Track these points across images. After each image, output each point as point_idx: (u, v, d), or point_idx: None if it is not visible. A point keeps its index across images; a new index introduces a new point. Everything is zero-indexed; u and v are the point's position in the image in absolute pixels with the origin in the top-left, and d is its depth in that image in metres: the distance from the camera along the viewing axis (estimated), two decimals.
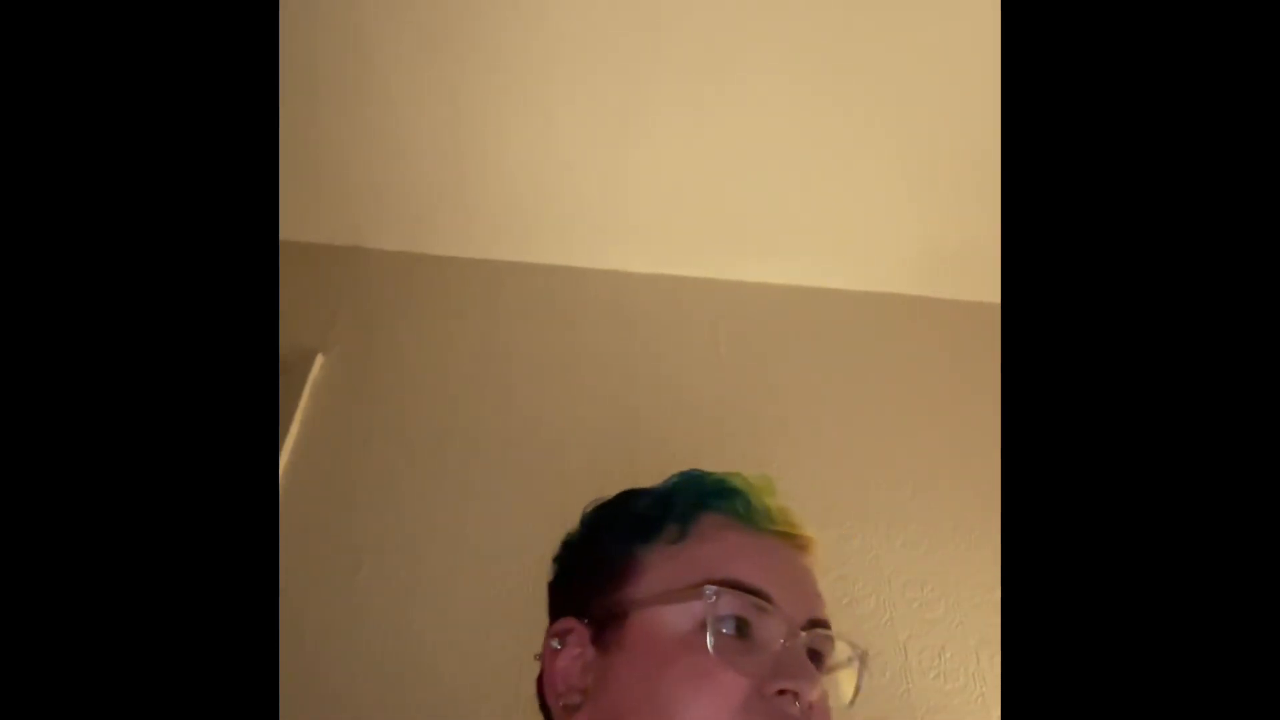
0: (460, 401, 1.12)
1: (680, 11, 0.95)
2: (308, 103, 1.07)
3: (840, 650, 0.49)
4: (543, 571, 0.57)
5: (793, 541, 0.51)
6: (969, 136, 1.05)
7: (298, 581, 0.92)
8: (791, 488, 1.04)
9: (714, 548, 0.48)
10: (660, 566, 0.48)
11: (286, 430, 1.04)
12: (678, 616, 0.45)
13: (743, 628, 0.45)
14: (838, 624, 0.49)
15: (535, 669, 0.52)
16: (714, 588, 0.45)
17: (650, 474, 0.57)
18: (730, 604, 0.45)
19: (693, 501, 0.51)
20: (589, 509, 0.56)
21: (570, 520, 0.57)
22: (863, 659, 0.49)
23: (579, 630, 0.49)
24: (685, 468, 0.56)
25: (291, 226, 1.23)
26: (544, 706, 0.50)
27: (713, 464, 0.58)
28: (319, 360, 1.13)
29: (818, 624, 0.47)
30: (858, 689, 0.49)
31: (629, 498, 0.54)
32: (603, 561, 0.50)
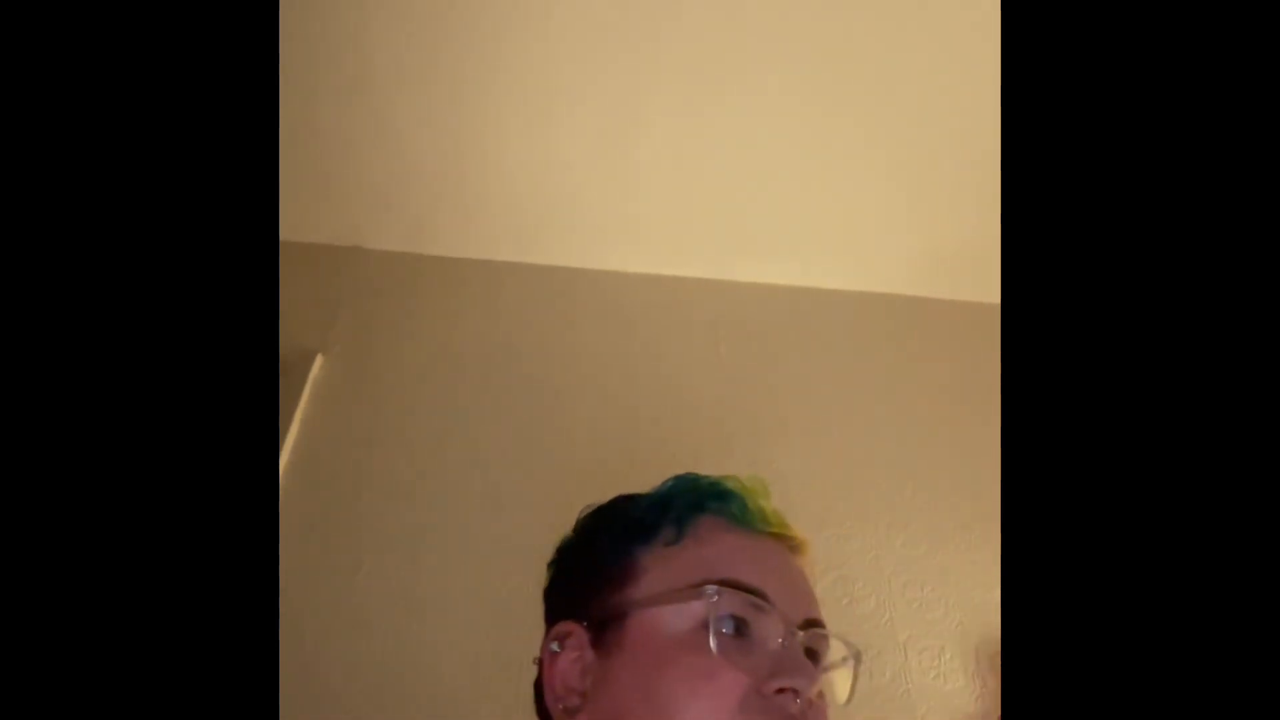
0: (460, 401, 1.12)
1: (680, 12, 0.95)
2: (308, 103, 1.07)
3: (836, 649, 0.50)
4: (542, 571, 0.57)
5: (787, 543, 0.52)
6: (969, 137, 1.05)
7: (298, 581, 0.92)
8: (791, 488, 1.05)
9: (712, 549, 0.48)
10: (658, 568, 0.48)
11: (286, 430, 1.05)
12: (677, 617, 0.46)
13: (741, 627, 0.45)
14: (837, 624, 0.50)
15: (534, 669, 0.52)
16: (714, 587, 0.45)
17: (650, 474, 0.57)
18: (729, 604, 0.45)
19: (689, 504, 0.51)
20: (584, 513, 0.56)
21: (570, 520, 0.57)
22: (858, 658, 0.50)
23: (578, 633, 0.49)
24: (685, 467, 0.57)
25: (292, 227, 1.23)
26: (541, 709, 0.50)
27: (713, 464, 0.58)
28: (319, 360, 1.13)
29: (814, 623, 0.48)
30: (854, 688, 0.50)
31: (624, 502, 0.55)
32: (601, 564, 0.50)
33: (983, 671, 0.94)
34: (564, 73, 1.02)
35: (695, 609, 0.45)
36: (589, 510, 0.57)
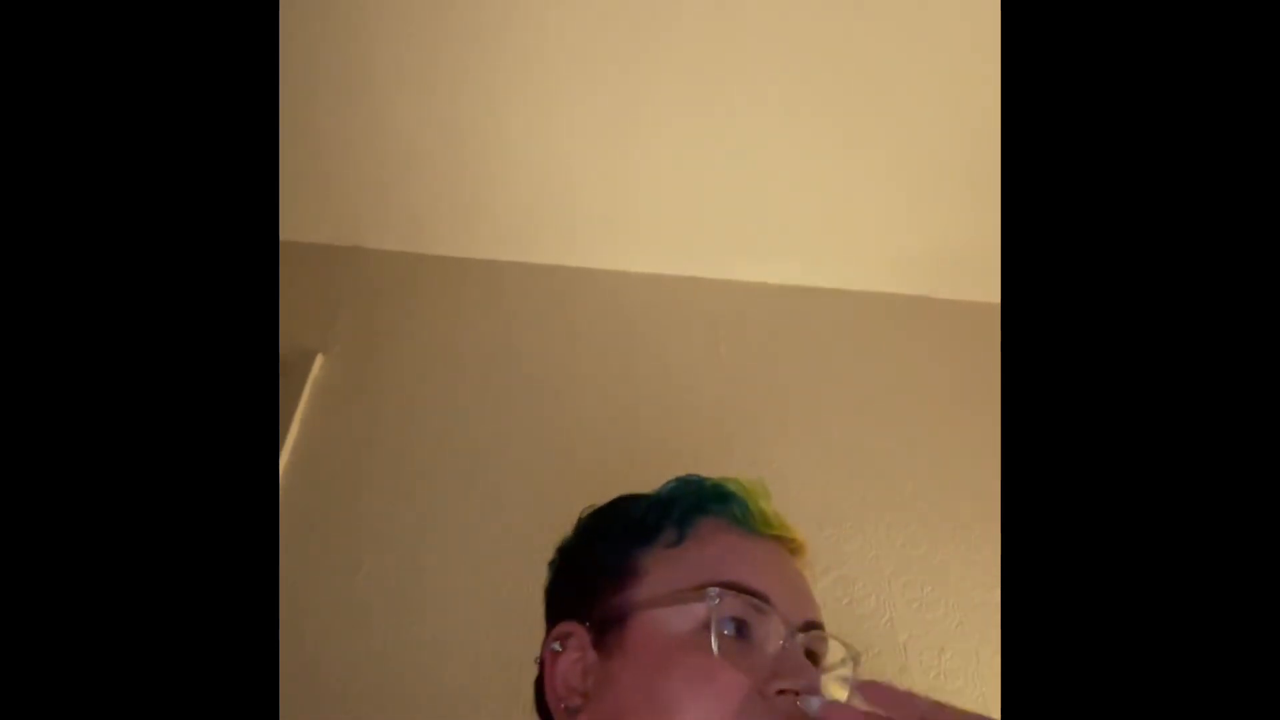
0: (460, 401, 1.12)
1: (681, 12, 0.95)
2: (308, 103, 1.07)
3: (835, 651, 0.50)
4: (542, 571, 0.57)
5: (787, 545, 0.52)
6: (969, 137, 1.05)
7: (298, 581, 0.92)
8: (791, 488, 1.05)
9: (713, 551, 0.49)
10: (660, 569, 0.49)
11: (286, 430, 1.04)
12: (678, 618, 0.46)
13: (742, 629, 0.45)
14: (837, 624, 0.50)
15: (535, 669, 0.52)
16: (716, 589, 0.45)
17: (650, 473, 0.57)
18: (731, 606, 0.45)
19: (691, 505, 0.51)
20: (584, 514, 0.57)
21: (570, 520, 0.57)
22: (857, 660, 0.50)
23: (579, 633, 0.49)
24: (685, 467, 0.57)
25: (292, 226, 1.23)
26: (542, 709, 0.50)
27: (713, 463, 0.58)
28: (319, 360, 1.13)
29: (813, 625, 0.48)
30: (852, 690, 0.50)
31: (625, 503, 0.55)
32: (602, 565, 0.51)
33: (983, 671, 0.94)
34: (564, 72, 1.02)
35: (697, 610, 0.46)
36: (589, 511, 0.57)
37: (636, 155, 1.12)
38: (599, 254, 1.27)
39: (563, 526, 0.57)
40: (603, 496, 0.57)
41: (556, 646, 0.50)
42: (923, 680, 0.93)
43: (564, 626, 0.50)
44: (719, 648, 0.44)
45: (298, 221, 1.23)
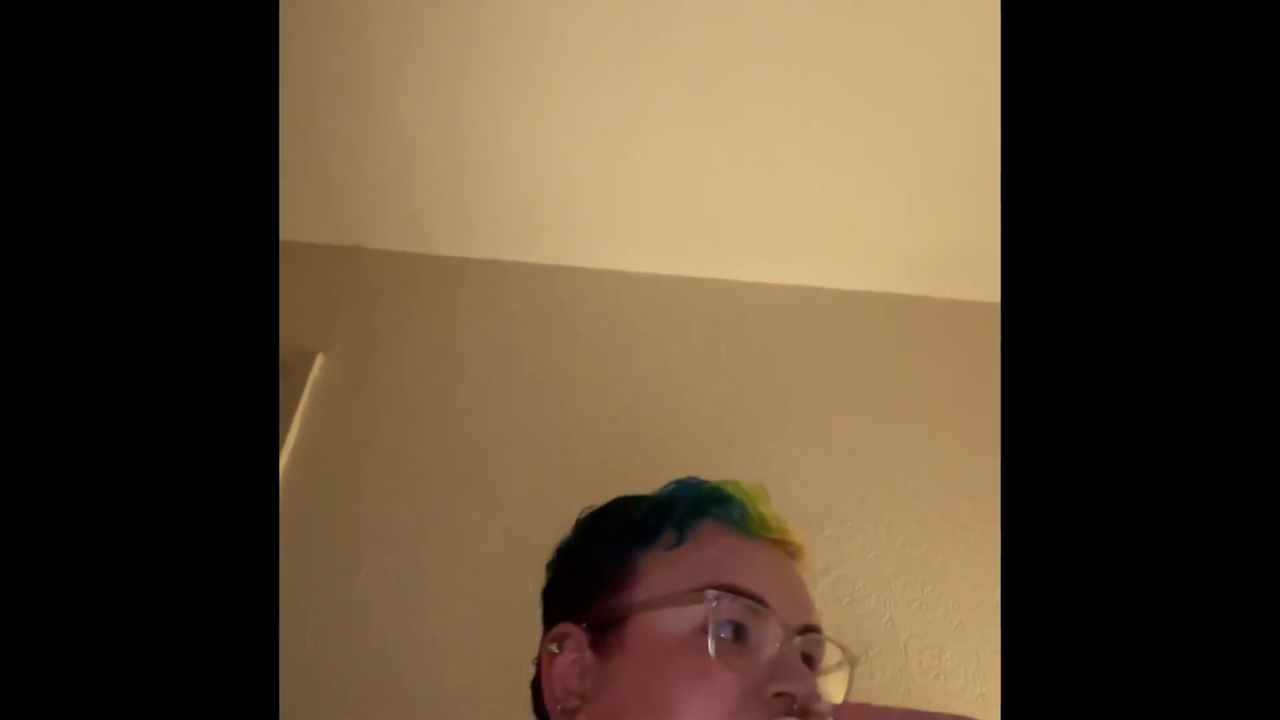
0: (460, 401, 1.12)
1: (681, 12, 0.95)
2: (308, 103, 1.07)
3: (831, 654, 0.50)
4: (542, 572, 0.57)
5: (786, 548, 0.52)
6: (969, 137, 1.05)
7: (298, 581, 0.92)
8: (792, 488, 1.05)
9: (712, 553, 0.49)
10: (659, 571, 0.49)
11: (286, 430, 1.05)
12: (677, 620, 0.46)
13: (740, 632, 0.45)
14: (837, 624, 0.50)
15: (534, 669, 0.52)
16: (715, 592, 0.45)
17: (650, 474, 0.57)
18: (729, 609, 0.46)
19: (691, 508, 0.51)
20: (583, 515, 0.56)
21: (570, 520, 0.57)
22: (853, 662, 0.50)
23: (577, 635, 0.49)
24: (685, 468, 0.57)
25: (292, 226, 1.23)
26: (540, 710, 0.50)
27: (713, 463, 0.58)
28: (319, 360, 1.13)
29: (811, 629, 0.48)
30: (848, 692, 0.50)
31: (624, 504, 0.55)
32: (601, 566, 0.51)
33: (983, 671, 0.94)
34: (564, 72, 1.02)
35: (695, 613, 0.46)
36: (589, 511, 0.57)
37: (636, 155, 1.12)
38: (599, 254, 1.27)
39: (563, 527, 0.57)
40: (602, 497, 0.57)
41: (554, 648, 0.50)
42: (923, 680, 0.93)
43: (562, 628, 0.50)
44: (716, 650, 0.44)
45: (298, 221, 1.23)
